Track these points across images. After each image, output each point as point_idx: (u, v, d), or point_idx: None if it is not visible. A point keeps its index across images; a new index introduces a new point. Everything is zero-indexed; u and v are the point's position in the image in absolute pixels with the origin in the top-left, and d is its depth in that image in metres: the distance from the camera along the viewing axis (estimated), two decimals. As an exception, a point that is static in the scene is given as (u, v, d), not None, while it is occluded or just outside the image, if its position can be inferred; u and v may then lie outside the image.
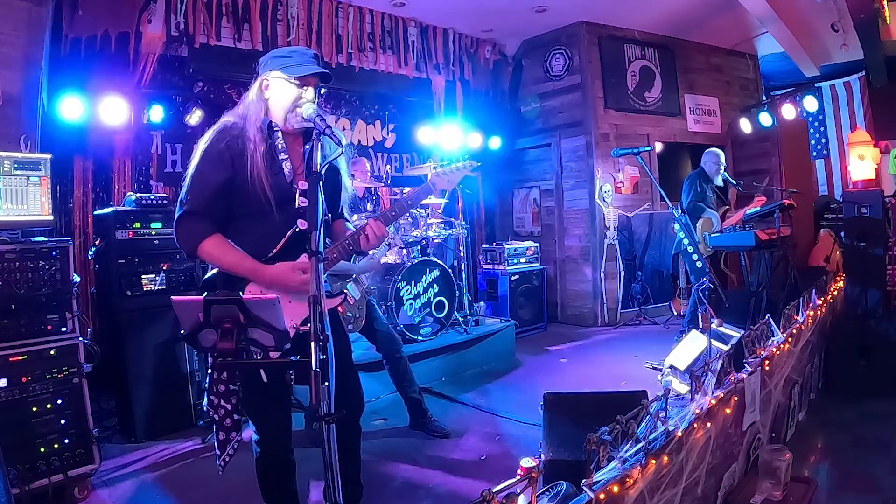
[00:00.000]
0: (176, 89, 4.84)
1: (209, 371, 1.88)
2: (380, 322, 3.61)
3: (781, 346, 2.67)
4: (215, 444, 1.87)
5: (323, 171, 1.72)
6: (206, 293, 1.85)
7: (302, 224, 1.78)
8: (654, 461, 1.60)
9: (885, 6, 5.24)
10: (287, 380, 1.83)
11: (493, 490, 1.23)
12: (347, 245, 1.90)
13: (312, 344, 1.30)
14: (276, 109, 1.86)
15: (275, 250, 1.81)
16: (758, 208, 4.84)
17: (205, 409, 1.91)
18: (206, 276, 1.91)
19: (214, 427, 1.86)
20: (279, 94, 1.84)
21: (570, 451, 2.19)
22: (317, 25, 5.35)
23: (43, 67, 3.60)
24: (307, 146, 1.89)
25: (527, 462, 2.02)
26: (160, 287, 3.51)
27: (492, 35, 6.76)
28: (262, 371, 1.74)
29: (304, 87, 1.82)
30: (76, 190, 4.40)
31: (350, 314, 3.44)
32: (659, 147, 6.93)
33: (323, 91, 1.93)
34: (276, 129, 1.86)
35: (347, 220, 2.19)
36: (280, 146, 1.85)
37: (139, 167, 4.75)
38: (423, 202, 4.41)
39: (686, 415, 1.87)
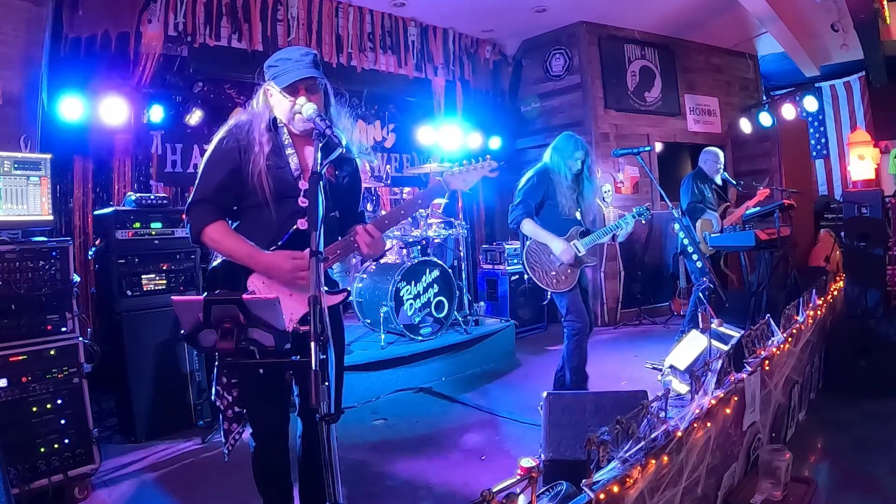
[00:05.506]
0: (176, 89, 4.83)
1: (216, 363, 1.92)
2: (585, 293, 3.65)
3: (781, 346, 2.67)
4: (222, 431, 1.95)
5: (343, 173, 1.97)
6: (207, 286, 1.89)
7: (302, 224, 1.82)
8: (654, 461, 1.60)
9: (885, 6, 5.24)
10: (288, 380, 1.84)
11: (493, 490, 1.23)
12: (346, 247, 1.91)
13: (312, 344, 1.30)
14: (280, 116, 1.93)
15: (274, 248, 1.84)
16: (758, 208, 4.84)
17: (213, 398, 1.94)
18: (210, 266, 1.96)
19: (220, 416, 1.93)
20: (277, 103, 1.91)
21: (570, 451, 2.19)
22: (317, 25, 5.34)
23: (43, 67, 3.60)
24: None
25: (527, 462, 2.02)
26: (160, 287, 3.51)
27: (492, 35, 6.76)
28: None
29: (295, 95, 1.84)
30: (76, 190, 4.40)
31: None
32: (659, 147, 6.93)
33: (320, 86, 1.91)
34: (281, 125, 1.93)
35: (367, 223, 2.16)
36: (286, 141, 1.92)
37: (139, 167, 4.76)
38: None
39: (686, 415, 1.87)
